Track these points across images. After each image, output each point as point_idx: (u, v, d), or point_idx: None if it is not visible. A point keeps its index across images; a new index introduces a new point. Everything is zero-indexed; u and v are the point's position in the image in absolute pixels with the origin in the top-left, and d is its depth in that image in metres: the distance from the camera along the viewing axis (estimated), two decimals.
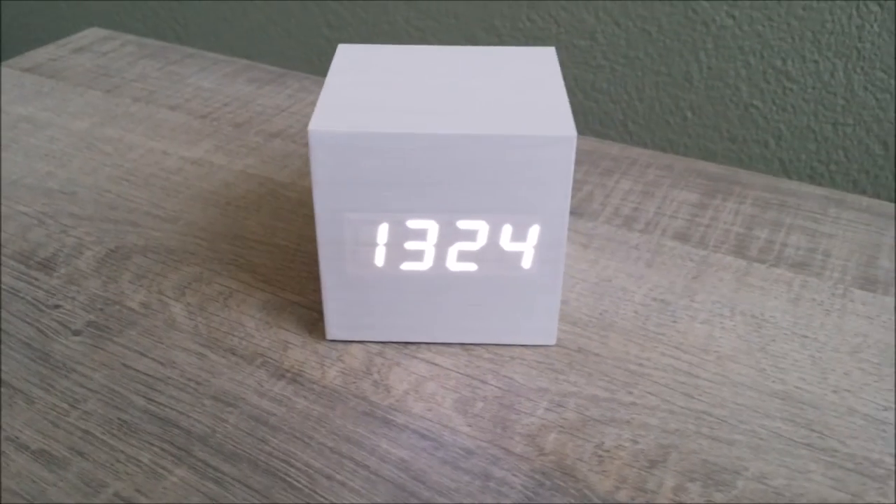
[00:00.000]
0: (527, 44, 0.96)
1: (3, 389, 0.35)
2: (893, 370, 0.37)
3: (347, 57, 0.39)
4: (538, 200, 0.34)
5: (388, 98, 0.35)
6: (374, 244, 0.35)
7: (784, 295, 0.41)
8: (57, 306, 0.40)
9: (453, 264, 0.36)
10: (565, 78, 0.95)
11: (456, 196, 0.34)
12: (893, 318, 0.40)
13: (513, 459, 0.32)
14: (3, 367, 0.37)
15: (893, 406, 0.35)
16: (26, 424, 0.34)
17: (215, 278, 0.42)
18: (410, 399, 0.35)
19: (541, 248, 0.35)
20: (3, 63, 0.66)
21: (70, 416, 0.34)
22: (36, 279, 0.42)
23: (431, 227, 0.35)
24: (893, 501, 0.31)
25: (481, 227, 0.35)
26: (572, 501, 0.31)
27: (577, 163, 0.53)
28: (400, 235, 0.35)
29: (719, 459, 0.33)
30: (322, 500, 0.31)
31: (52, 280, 0.42)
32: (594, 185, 0.51)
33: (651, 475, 0.32)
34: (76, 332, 0.39)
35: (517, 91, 0.36)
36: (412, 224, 0.35)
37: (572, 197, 0.49)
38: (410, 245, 0.35)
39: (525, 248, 0.35)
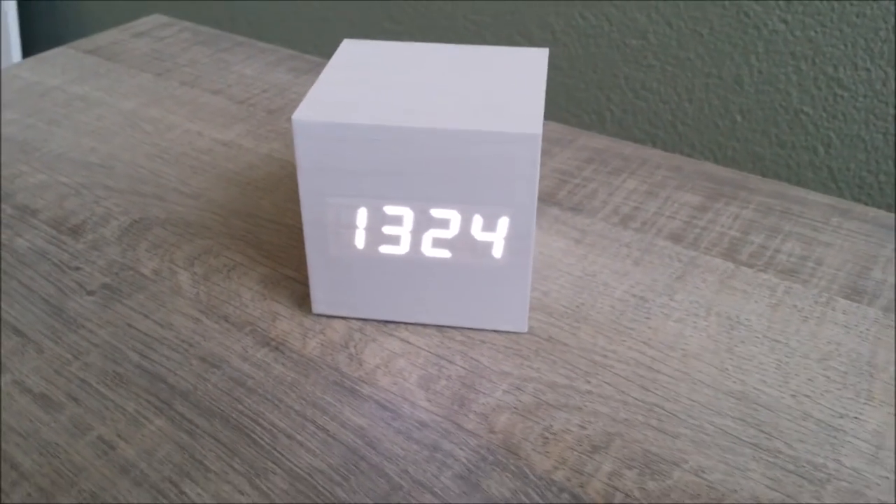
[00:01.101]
0: (579, 41, 0.97)
1: (18, 339, 0.39)
2: (860, 379, 0.37)
3: (349, 51, 0.42)
4: (505, 194, 0.36)
5: (374, 92, 0.37)
6: (354, 227, 0.38)
7: (765, 300, 0.42)
8: (78, 268, 0.44)
9: (428, 250, 0.38)
10: (616, 76, 0.95)
11: (429, 186, 0.36)
12: (872, 328, 0.40)
13: (463, 435, 0.34)
14: (21, 319, 0.41)
15: (850, 414, 0.35)
16: (33, 371, 0.38)
17: (223, 251, 0.45)
18: (379, 373, 0.38)
19: (510, 239, 0.37)
20: (68, 45, 0.71)
21: (72, 366, 0.38)
22: (64, 243, 0.46)
23: (407, 213, 0.37)
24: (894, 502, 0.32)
25: (453, 216, 0.37)
26: (509, 477, 0.33)
27: (588, 160, 0.54)
28: (378, 220, 0.37)
29: (661, 450, 0.34)
30: (279, 456, 0.33)
31: (78, 245, 0.46)
32: (600, 183, 0.52)
33: (591, 459, 0.33)
34: (90, 293, 0.42)
35: (498, 89, 0.37)
36: (389, 210, 0.37)
37: (574, 194, 0.51)
38: (388, 230, 0.38)
39: (495, 238, 0.37)
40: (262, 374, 0.37)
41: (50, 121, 0.59)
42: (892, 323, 0.40)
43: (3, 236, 0.47)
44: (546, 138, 0.57)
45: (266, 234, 0.47)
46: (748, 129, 0.92)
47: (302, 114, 0.35)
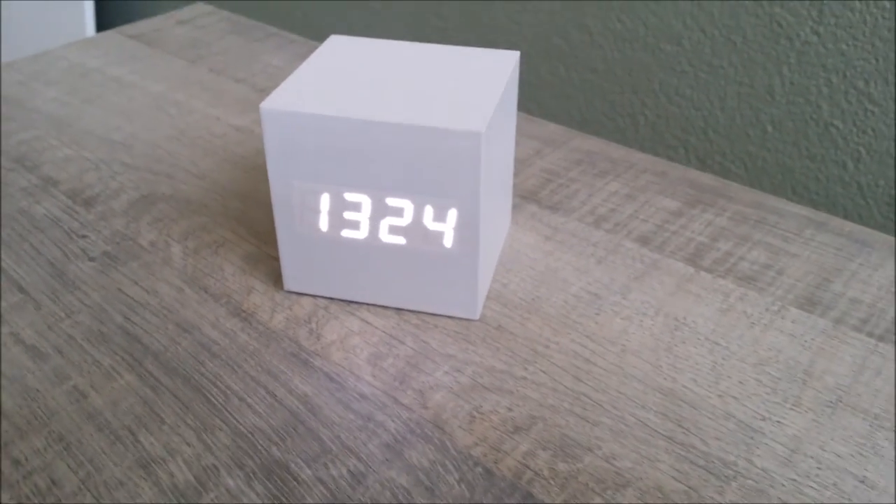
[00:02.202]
0: (615, 43, 0.98)
1: (21, 295, 0.44)
2: (791, 386, 0.38)
3: (332, 47, 0.45)
4: (452, 187, 0.38)
5: (342, 86, 0.40)
6: (318, 210, 0.41)
7: (717, 304, 0.43)
8: (84, 236, 0.49)
9: (385, 236, 0.41)
10: (650, 81, 0.96)
11: (384, 175, 0.39)
12: (818, 338, 0.41)
13: (397, 408, 0.37)
14: (26, 279, 0.45)
15: (773, 417, 0.37)
16: (29, 325, 0.42)
17: (216, 228, 0.49)
18: (334, 348, 0.41)
19: (459, 230, 0.39)
20: (115, 30, 0.76)
21: (63, 323, 0.42)
22: (76, 213, 0.51)
23: (365, 201, 0.40)
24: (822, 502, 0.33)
25: (407, 205, 0.39)
26: (431, 449, 0.35)
27: (577, 162, 0.56)
28: (339, 205, 0.40)
29: (578, 436, 0.36)
30: (228, 416, 0.37)
31: (89, 215, 0.50)
32: (583, 184, 0.54)
33: (510, 439, 0.36)
34: (91, 259, 0.47)
35: (458, 88, 0.40)
36: (349, 196, 0.40)
37: (556, 193, 0.53)
38: (348, 215, 0.41)
39: (446, 228, 0.39)
40: (227, 341, 0.41)
41: (84, 100, 0.64)
42: (839, 334, 0.41)
43: (24, 203, 0.51)
44: (541, 139, 0.59)
45: (258, 214, 0.50)
46: (779, 139, 0.91)
47: (270, 103, 0.39)
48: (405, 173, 0.38)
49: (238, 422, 0.37)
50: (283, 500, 0.33)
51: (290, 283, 0.44)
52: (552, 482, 0.34)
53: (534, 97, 1.04)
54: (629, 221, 0.50)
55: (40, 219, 0.50)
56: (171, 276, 0.45)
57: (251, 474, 0.34)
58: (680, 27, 0.92)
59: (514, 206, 0.51)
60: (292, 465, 0.34)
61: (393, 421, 0.37)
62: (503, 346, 0.41)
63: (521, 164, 0.56)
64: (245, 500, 0.33)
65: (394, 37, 1.15)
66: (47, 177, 0.54)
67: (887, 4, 0.77)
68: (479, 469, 0.34)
